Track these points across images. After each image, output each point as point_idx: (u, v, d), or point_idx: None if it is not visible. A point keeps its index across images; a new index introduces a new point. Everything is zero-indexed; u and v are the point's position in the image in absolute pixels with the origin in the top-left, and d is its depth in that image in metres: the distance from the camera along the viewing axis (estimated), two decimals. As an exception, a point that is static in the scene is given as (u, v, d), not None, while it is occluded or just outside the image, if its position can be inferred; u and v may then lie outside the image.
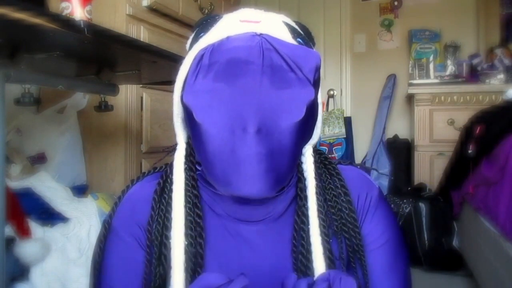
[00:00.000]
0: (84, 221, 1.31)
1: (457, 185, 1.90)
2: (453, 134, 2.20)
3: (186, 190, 0.55)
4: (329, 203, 0.58)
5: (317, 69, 0.51)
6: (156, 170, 0.64)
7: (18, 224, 1.12)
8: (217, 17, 0.57)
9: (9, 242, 1.06)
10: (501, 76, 2.39)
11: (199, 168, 0.58)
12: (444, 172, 2.17)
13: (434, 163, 2.38)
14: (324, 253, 0.53)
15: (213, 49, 0.50)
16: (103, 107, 1.30)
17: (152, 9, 1.72)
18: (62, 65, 1.04)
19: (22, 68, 0.94)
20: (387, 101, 2.81)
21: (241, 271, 0.54)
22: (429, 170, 2.41)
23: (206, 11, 1.99)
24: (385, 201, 0.63)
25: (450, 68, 2.72)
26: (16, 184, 1.33)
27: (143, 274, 0.55)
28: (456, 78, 2.58)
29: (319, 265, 0.52)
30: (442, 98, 2.38)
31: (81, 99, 1.64)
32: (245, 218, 0.56)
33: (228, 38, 0.50)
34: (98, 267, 0.60)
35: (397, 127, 2.87)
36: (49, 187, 1.37)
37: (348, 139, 2.89)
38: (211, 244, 0.55)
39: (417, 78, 2.72)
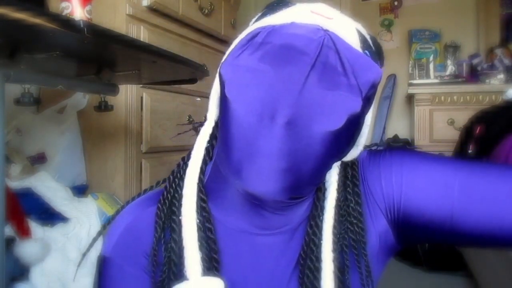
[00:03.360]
0: (84, 221, 1.31)
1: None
2: (453, 134, 2.20)
3: (198, 190, 0.52)
4: (341, 215, 0.53)
5: (374, 85, 0.46)
6: (148, 191, 0.60)
7: (18, 224, 1.12)
8: (289, 3, 0.53)
9: (9, 242, 1.06)
10: (501, 76, 2.39)
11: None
12: (444, 172, 2.17)
13: (434, 163, 2.38)
14: (334, 271, 0.49)
15: (272, 30, 0.46)
16: (103, 107, 1.30)
17: (152, 9, 1.71)
18: (62, 65, 1.04)
19: (22, 68, 0.94)
20: (387, 101, 2.81)
21: (253, 285, 0.52)
22: (429, 170, 2.40)
23: (206, 11, 1.99)
24: (374, 155, 0.58)
25: (450, 68, 2.72)
26: (16, 184, 1.33)
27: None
28: (456, 78, 2.58)
29: (326, 284, 0.48)
30: (442, 98, 2.38)
31: (81, 99, 1.64)
32: (260, 226, 0.52)
33: (292, 23, 0.47)
34: None
35: (397, 127, 2.87)
36: (49, 187, 1.37)
37: (348, 139, 2.89)
38: (224, 260, 0.52)
39: (417, 78, 2.72)
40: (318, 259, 0.50)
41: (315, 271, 0.50)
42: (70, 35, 0.78)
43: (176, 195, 0.54)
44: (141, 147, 1.68)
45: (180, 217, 0.50)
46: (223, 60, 0.50)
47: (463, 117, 2.13)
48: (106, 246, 0.55)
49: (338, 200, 0.52)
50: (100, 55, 1.04)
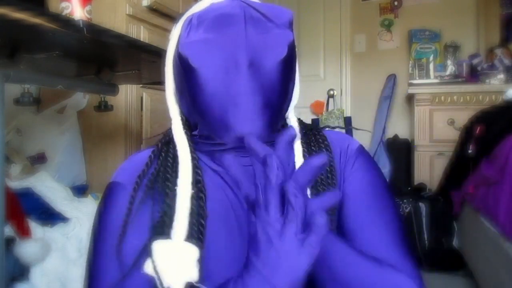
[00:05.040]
0: (84, 221, 1.31)
1: (457, 185, 1.90)
2: (453, 134, 2.20)
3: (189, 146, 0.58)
4: (314, 151, 0.62)
5: (291, 23, 0.59)
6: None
7: (18, 224, 1.12)
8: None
9: (9, 242, 1.06)
10: (501, 76, 2.39)
11: (195, 133, 0.61)
12: (444, 172, 2.17)
13: (434, 163, 2.39)
14: (311, 194, 0.57)
15: (200, 13, 0.56)
16: (103, 107, 1.30)
17: (152, 9, 1.72)
18: (62, 65, 1.04)
19: (22, 68, 0.94)
20: (387, 101, 2.81)
21: (234, 222, 0.57)
22: (429, 170, 2.41)
23: (206, 11, 1.99)
24: (366, 153, 0.65)
25: (450, 68, 2.72)
26: (16, 184, 1.33)
27: (149, 225, 0.55)
28: (456, 78, 2.58)
29: None
30: (442, 98, 2.38)
31: (81, 99, 1.64)
32: (241, 176, 0.58)
33: (211, 4, 0.58)
34: (102, 224, 0.58)
35: (397, 127, 2.87)
36: (49, 187, 1.37)
37: (348, 139, 2.89)
38: (209, 197, 0.57)
39: (417, 78, 2.72)
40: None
41: None
42: (70, 35, 0.78)
43: (169, 163, 0.59)
44: (141, 147, 1.68)
45: (176, 188, 0.55)
46: (169, 51, 0.63)
47: (463, 117, 2.13)
48: (114, 175, 0.63)
49: (303, 142, 0.62)
50: (100, 55, 1.04)
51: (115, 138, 1.63)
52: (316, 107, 3.03)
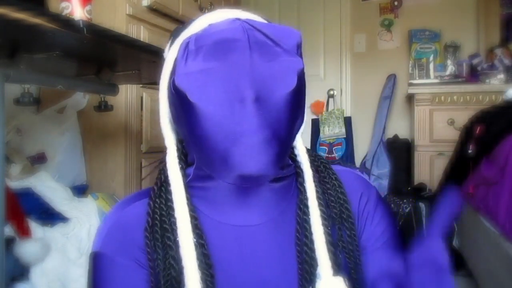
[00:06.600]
0: (84, 221, 1.31)
1: (457, 185, 1.90)
2: (453, 134, 2.20)
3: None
4: (327, 191, 0.59)
5: (299, 46, 0.53)
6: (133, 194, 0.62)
7: (18, 224, 1.12)
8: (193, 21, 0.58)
9: (9, 242, 1.06)
10: (501, 76, 2.39)
11: (192, 163, 0.57)
12: (444, 172, 2.17)
13: (434, 163, 2.38)
14: (327, 242, 0.54)
15: (197, 36, 0.50)
16: (103, 107, 1.30)
17: (152, 9, 1.72)
18: (62, 65, 1.04)
19: (22, 68, 0.94)
20: (387, 101, 2.80)
21: (245, 278, 0.54)
22: (429, 170, 2.41)
23: (206, 11, 1.99)
24: (383, 201, 0.63)
25: (450, 68, 2.71)
26: (16, 184, 1.33)
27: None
28: (456, 78, 2.58)
29: (322, 255, 0.53)
30: (442, 98, 2.38)
31: (81, 99, 1.64)
32: (244, 223, 0.56)
33: (209, 25, 0.52)
34: None
35: (397, 127, 2.86)
36: (49, 187, 1.37)
37: (348, 139, 2.89)
38: (213, 254, 0.53)
39: (417, 78, 2.72)
40: (310, 234, 0.55)
41: (311, 244, 0.55)
42: (70, 35, 0.78)
43: (164, 212, 0.55)
44: (141, 147, 1.68)
45: (177, 238, 0.52)
46: (166, 85, 0.55)
47: (463, 117, 2.13)
48: (96, 242, 0.57)
49: (315, 178, 0.58)
50: (100, 55, 1.04)
51: (115, 138, 1.63)
52: (316, 107, 3.03)
